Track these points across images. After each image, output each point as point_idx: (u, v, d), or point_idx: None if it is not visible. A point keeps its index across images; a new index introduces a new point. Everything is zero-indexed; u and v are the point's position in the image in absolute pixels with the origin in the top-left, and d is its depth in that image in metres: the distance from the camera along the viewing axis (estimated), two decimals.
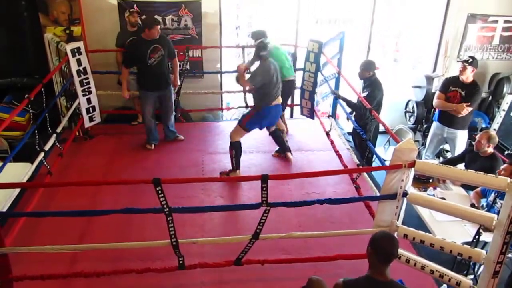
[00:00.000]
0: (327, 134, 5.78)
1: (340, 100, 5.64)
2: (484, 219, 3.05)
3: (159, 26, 5.18)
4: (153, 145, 5.71)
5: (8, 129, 4.60)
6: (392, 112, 7.43)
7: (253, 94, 5.01)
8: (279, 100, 4.98)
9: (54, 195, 4.47)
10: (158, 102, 5.57)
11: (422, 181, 4.64)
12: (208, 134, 6.03)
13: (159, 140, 5.77)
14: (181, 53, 6.33)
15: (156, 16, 6.42)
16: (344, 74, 5.67)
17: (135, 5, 6.30)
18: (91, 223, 4.08)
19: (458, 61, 6.39)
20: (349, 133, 6.13)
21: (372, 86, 5.39)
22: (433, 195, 4.30)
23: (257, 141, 5.73)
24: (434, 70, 7.41)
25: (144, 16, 6.11)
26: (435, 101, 5.54)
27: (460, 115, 5.28)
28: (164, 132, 5.82)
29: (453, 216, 3.42)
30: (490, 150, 4.61)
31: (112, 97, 6.37)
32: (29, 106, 4.53)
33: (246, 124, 4.91)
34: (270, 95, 4.82)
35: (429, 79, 7.11)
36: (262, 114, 4.88)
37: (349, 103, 5.53)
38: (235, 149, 4.97)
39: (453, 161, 4.96)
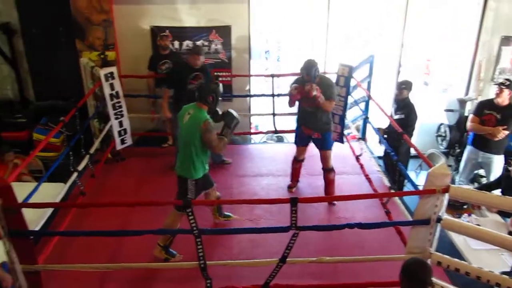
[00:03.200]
0: (357, 157, 5.72)
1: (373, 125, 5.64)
2: None
3: (200, 57, 5.21)
4: None
5: (43, 150, 4.75)
6: (423, 136, 7.29)
7: (325, 114, 4.68)
8: None
9: (87, 215, 4.54)
10: None
11: (456, 207, 4.50)
12: (237, 157, 6.05)
13: None
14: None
15: (187, 41, 6.59)
16: (373, 97, 5.63)
17: (167, 30, 6.48)
18: (122, 243, 4.12)
19: (494, 84, 6.26)
20: (379, 157, 6.05)
21: (408, 109, 5.34)
22: (468, 222, 4.16)
23: (285, 164, 5.70)
24: (466, 93, 7.27)
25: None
26: (469, 125, 5.42)
27: (496, 139, 5.15)
28: (211, 156, 5.80)
29: (490, 244, 3.29)
30: None
31: (143, 120, 6.52)
32: (64, 128, 4.67)
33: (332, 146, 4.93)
34: None
35: (462, 103, 6.97)
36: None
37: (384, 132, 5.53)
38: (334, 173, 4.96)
39: (489, 187, 4.80)
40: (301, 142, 4.97)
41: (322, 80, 4.51)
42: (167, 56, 6.21)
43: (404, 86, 5.44)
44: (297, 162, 5.13)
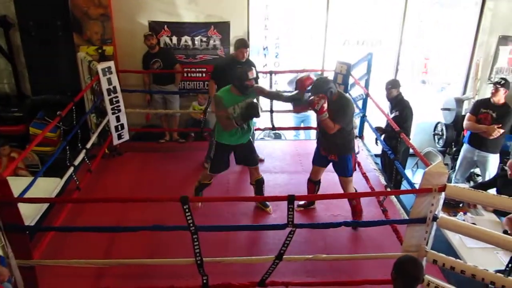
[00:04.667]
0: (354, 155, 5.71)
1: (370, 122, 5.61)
2: None
3: (247, 50, 5.18)
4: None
5: (39, 145, 4.75)
6: (420, 135, 7.31)
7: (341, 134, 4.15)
8: None
9: (82, 210, 4.54)
10: None
11: (452, 205, 4.52)
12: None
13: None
14: (209, 74, 6.44)
15: (185, 37, 6.57)
16: (372, 95, 5.64)
17: (165, 26, 6.46)
18: (118, 239, 4.11)
19: (489, 83, 6.28)
20: (377, 155, 6.06)
21: (401, 106, 5.35)
22: (463, 220, 4.18)
23: (282, 162, 5.71)
24: (464, 92, 7.29)
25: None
26: (465, 123, 5.45)
27: (491, 137, 5.17)
28: None
29: (485, 243, 3.31)
30: None
31: (140, 115, 6.51)
32: (60, 122, 4.65)
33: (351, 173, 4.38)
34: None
35: (459, 102, 6.99)
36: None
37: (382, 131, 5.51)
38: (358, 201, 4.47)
39: (485, 186, 4.82)
40: (317, 161, 4.51)
41: (339, 99, 4.02)
42: (156, 54, 6.20)
43: (390, 86, 5.44)
44: (311, 183, 4.60)
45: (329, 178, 5.16)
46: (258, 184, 4.65)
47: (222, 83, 5.25)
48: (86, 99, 6.01)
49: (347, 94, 4.34)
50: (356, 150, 4.99)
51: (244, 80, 4.17)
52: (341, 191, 4.40)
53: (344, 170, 4.29)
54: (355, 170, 4.47)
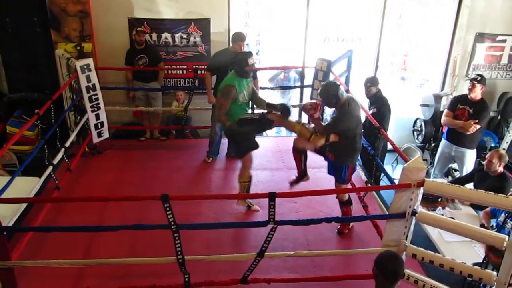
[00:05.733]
0: None
1: None
2: (494, 239, 3.01)
3: (243, 43, 5.38)
4: (210, 159, 5.76)
5: (17, 143, 4.65)
6: (399, 131, 7.41)
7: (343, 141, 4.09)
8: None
9: (62, 210, 4.47)
10: None
11: (430, 200, 4.59)
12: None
13: (218, 154, 5.84)
14: (190, 70, 6.43)
15: (165, 33, 6.51)
16: (352, 91, 5.67)
17: (145, 22, 6.40)
18: (98, 238, 4.07)
19: (466, 80, 6.39)
20: None
21: (379, 103, 5.41)
22: (442, 215, 4.25)
23: (263, 159, 5.72)
24: (442, 89, 7.40)
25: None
26: (443, 119, 5.54)
27: (468, 133, 5.27)
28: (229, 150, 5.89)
29: (462, 236, 3.38)
30: (500, 169, 4.57)
31: (120, 113, 6.44)
32: (38, 120, 4.57)
33: (348, 179, 4.33)
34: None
35: (437, 98, 7.10)
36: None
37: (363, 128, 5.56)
38: (350, 203, 4.40)
39: (462, 181, 4.92)
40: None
41: (342, 107, 3.95)
42: (142, 50, 6.14)
43: (369, 84, 5.51)
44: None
45: (310, 175, 5.18)
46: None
47: (219, 75, 5.27)
48: (64, 97, 5.94)
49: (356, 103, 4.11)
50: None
51: (244, 66, 4.37)
52: (327, 187, 4.47)
53: (337, 175, 4.27)
54: (349, 181, 4.39)
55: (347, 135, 4.01)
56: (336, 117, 4.00)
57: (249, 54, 4.53)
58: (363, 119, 5.41)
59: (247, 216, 4.64)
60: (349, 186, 4.48)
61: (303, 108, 4.15)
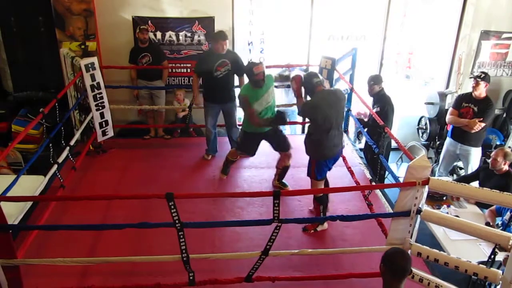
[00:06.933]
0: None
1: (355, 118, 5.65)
2: (500, 238, 3.00)
3: (226, 42, 5.23)
4: (210, 156, 5.80)
5: (22, 142, 4.68)
6: (404, 129, 7.39)
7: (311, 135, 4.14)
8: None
9: (67, 208, 4.49)
10: (223, 115, 5.70)
11: (435, 198, 4.58)
12: (220, 149, 6.03)
13: (216, 151, 5.85)
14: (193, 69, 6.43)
15: (169, 32, 6.52)
16: (356, 90, 5.67)
17: (149, 21, 6.40)
18: (103, 237, 4.08)
19: (470, 77, 6.36)
20: (360, 149, 6.10)
21: (382, 102, 5.39)
22: (447, 213, 4.24)
23: (268, 157, 5.71)
24: (447, 87, 7.37)
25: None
26: (448, 117, 5.52)
27: (473, 131, 5.24)
28: (230, 143, 5.92)
29: (468, 235, 3.35)
30: (506, 167, 4.55)
31: (125, 112, 6.46)
32: (43, 119, 4.58)
33: (317, 175, 4.22)
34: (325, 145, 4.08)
35: (442, 96, 7.07)
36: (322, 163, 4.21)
37: (365, 124, 5.56)
38: (322, 203, 4.28)
39: (467, 179, 4.90)
40: None
41: (316, 95, 4.06)
42: (146, 49, 6.15)
43: (372, 82, 5.49)
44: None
45: None
46: (284, 170, 5.04)
47: (205, 77, 5.26)
48: (69, 96, 5.95)
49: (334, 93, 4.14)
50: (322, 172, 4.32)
51: (252, 75, 4.52)
52: (331, 185, 4.51)
53: (308, 170, 4.27)
54: (319, 177, 4.22)
55: (314, 126, 4.07)
56: (305, 102, 4.16)
57: (256, 63, 4.61)
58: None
59: (251, 215, 4.64)
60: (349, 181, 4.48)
61: (291, 79, 4.37)
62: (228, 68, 5.25)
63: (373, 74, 5.81)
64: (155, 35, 6.52)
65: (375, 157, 4.91)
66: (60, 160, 4.68)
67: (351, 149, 5.83)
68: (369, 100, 5.53)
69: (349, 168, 5.28)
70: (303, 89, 4.20)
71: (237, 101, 5.45)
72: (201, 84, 5.58)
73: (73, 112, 5.83)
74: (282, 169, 5.06)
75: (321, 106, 3.95)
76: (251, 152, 5.09)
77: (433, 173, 5.81)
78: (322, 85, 4.09)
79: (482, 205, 4.53)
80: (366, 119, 5.87)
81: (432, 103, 7.17)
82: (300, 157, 5.42)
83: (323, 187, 4.36)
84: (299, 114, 4.39)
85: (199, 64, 5.48)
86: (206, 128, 5.72)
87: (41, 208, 4.31)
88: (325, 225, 4.40)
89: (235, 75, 5.48)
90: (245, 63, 5.82)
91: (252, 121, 4.68)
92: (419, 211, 3.29)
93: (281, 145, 4.93)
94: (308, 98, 4.19)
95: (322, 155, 4.14)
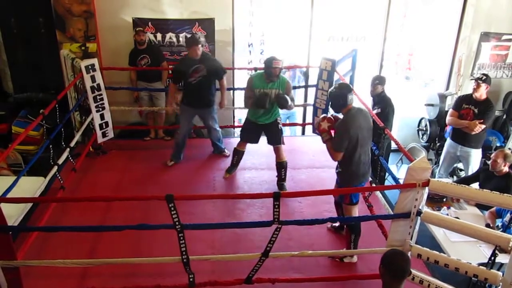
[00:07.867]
0: None
1: None
2: (500, 239, 3.00)
3: (199, 47, 5.14)
4: (172, 163, 5.67)
5: (22, 143, 4.68)
6: (404, 130, 7.39)
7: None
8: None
9: (67, 210, 4.49)
10: (200, 119, 5.71)
11: (435, 200, 4.58)
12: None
13: (181, 160, 5.72)
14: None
15: (170, 33, 6.53)
16: (356, 91, 5.65)
17: (149, 23, 6.41)
18: (103, 238, 4.08)
19: (471, 79, 6.37)
20: None
21: (384, 103, 5.39)
22: (447, 215, 4.24)
23: (268, 159, 5.70)
24: (447, 88, 7.37)
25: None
26: (448, 119, 5.52)
27: (473, 133, 5.25)
28: (212, 145, 5.96)
29: (468, 237, 3.36)
30: (506, 169, 4.55)
31: (125, 113, 6.46)
32: (44, 120, 4.58)
33: (352, 199, 3.92)
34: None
35: (442, 97, 7.07)
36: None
37: None
38: (354, 232, 3.90)
39: (467, 180, 4.90)
40: None
41: (345, 115, 3.73)
42: (144, 50, 6.15)
43: (377, 82, 5.50)
44: None
45: (315, 175, 5.21)
46: (280, 166, 5.07)
47: (184, 83, 5.26)
48: (69, 97, 5.95)
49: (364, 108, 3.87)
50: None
51: (269, 67, 4.66)
52: (331, 186, 4.44)
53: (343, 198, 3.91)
54: (355, 200, 3.96)
55: (349, 155, 3.69)
56: (339, 124, 3.69)
57: (278, 59, 4.73)
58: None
59: (252, 216, 4.64)
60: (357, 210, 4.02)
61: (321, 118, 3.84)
62: (203, 74, 5.14)
63: (378, 75, 5.81)
64: (155, 37, 6.53)
65: (375, 158, 4.91)
66: (60, 161, 4.69)
67: None
68: (369, 102, 5.52)
69: None
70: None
71: (215, 107, 5.54)
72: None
73: (73, 114, 5.83)
74: (277, 167, 5.08)
75: (348, 125, 3.62)
76: (250, 139, 5.17)
77: (433, 174, 5.80)
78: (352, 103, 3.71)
79: (482, 207, 4.53)
80: None
81: (432, 105, 7.17)
82: (299, 158, 5.45)
83: (357, 214, 3.97)
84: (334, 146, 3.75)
85: (175, 71, 5.45)
86: (178, 131, 5.64)
87: (41, 210, 4.32)
88: (355, 258, 3.99)
89: (216, 79, 5.40)
90: (245, 64, 5.87)
91: (245, 102, 4.94)
92: (419, 213, 3.29)
93: (273, 138, 5.03)
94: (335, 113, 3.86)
95: (355, 178, 3.84)
